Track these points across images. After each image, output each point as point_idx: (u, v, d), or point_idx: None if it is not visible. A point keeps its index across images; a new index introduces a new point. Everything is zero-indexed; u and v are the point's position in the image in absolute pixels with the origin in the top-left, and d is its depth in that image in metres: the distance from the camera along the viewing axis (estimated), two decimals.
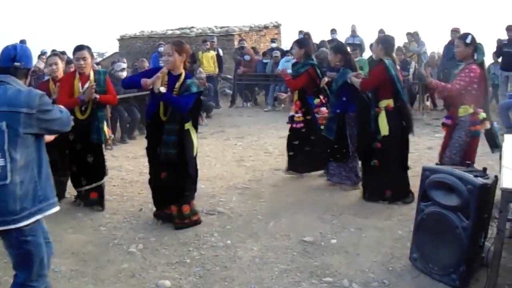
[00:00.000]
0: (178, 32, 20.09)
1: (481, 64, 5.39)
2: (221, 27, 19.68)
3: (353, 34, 15.64)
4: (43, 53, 15.37)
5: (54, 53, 5.92)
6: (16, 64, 3.29)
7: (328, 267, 4.49)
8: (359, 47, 13.89)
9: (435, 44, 14.66)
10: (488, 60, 11.95)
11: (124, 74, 10.88)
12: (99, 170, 6.15)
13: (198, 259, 4.70)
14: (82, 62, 5.83)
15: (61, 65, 6.33)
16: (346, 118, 6.44)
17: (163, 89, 5.05)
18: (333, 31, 15.53)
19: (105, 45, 24.48)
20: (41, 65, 12.75)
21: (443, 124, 5.74)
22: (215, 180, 7.33)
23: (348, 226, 5.39)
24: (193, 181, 5.55)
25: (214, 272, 4.46)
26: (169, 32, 20.44)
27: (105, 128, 6.22)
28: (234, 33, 18.61)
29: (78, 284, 4.34)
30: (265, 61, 14.94)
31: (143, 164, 8.39)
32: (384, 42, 6.06)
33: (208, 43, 14.87)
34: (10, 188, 3.05)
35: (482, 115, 5.30)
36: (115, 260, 4.73)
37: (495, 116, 9.06)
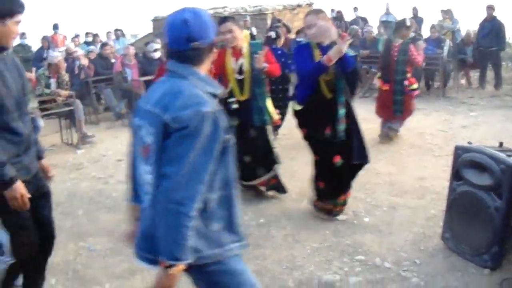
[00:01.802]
0: (211, 11, 20.05)
1: None
2: (254, 6, 19.61)
3: (387, 12, 15.48)
4: (76, 36, 15.67)
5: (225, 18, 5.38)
6: (194, 44, 2.25)
7: (360, 245, 4.52)
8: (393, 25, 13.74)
9: (469, 21, 14.38)
10: None
11: (157, 54, 10.97)
12: (272, 155, 5.63)
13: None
14: (228, 36, 5.22)
15: (238, 32, 5.34)
16: None
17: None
18: (355, 9, 15.48)
19: (138, 26, 24.67)
20: (74, 48, 12.94)
21: None
22: None
23: (381, 205, 5.41)
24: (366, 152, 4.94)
25: (247, 251, 4.51)
26: None
27: (269, 107, 5.58)
28: (267, 12, 18.50)
29: (112, 262, 4.46)
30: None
31: None
32: None
33: (242, 22, 14.86)
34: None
35: None
36: None
37: None
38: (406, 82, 7.62)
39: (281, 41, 9.60)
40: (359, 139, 4.85)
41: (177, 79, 2.25)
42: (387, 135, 7.91)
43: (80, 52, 11.82)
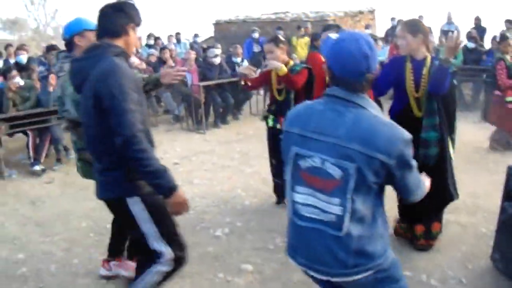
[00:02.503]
0: (273, 17, 20.27)
1: None
2: (316, 12, 19.66)
3: (449, 21, 15.25)
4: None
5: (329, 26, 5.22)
6: (369, 75, 2.30)
7: (407, 260, 4.51)
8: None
9: None
10: None
11: (217, 60, 11.16)
12: None
13: (282, 246, 4.86)
14: None
15: None
16: None
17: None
18: (420, 17, 15.23)
19: (201, 29, 25.03)
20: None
21: None
22: None
23: None
24: (454, 188, 4.66)
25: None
26: (264, 17, 20.65)
27: None
28: (329, 18, 18.52)
29: None
30: None
31: (235, 149, 8.71)
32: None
33: (303, 29, 14.97)
34: (341, 240, 2.30)
35: None
36: (201, 243, 4.98)
37: None
38: None
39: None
40: (450, 171, 4.55)
41: (354, 108, 2.28)
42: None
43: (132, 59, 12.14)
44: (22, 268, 4.66)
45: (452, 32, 8.67)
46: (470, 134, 8.53)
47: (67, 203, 6.38)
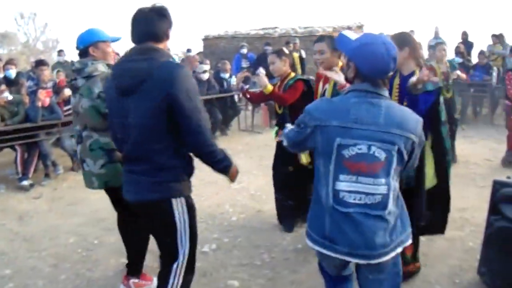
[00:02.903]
0: (261, 32, 20.34)
1: None
2: (305, 28, 19.76)
3: (436, 36, 15.40)
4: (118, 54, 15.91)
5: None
6: (390, 75, 2.91)
7: None
8: None
9: None
10: None
11: (206, 76, 11.20)
12: None
13: (269, 262, 4.88)
14: (317, 56, 4.79)
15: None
16: None
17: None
18: (411, 32, 15.35)
19: (190, 44, 25.11)
20: None
21: None
22: None
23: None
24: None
25: (283, 276, 4.62)
26: (253, 32, 20.72)
27: None
28: (317, 34, 18.58)
29: None
30: None
31: None
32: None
33: (291, 44, 15.01)
34: (384, 219, 2.66)
35: None
36: None
37: None
38: None
39: None
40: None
41: (384, 100, 2.70)
42: None
43: None
44: (9, 284, 4.63)
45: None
46: (458, 148, 8.58)
47: (55, 219, 6.36)
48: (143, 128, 2.97)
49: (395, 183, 2.69)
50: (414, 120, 2.71)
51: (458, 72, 7.64)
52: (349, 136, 2.61)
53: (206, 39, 21.44)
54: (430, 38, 15.47)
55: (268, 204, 6.42)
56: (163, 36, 3.10)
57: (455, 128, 8.10)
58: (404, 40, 4.14)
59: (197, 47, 22.80)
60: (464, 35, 15.32)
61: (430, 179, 4.28)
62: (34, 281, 4.66)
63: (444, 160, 4.29)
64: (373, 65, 2.62)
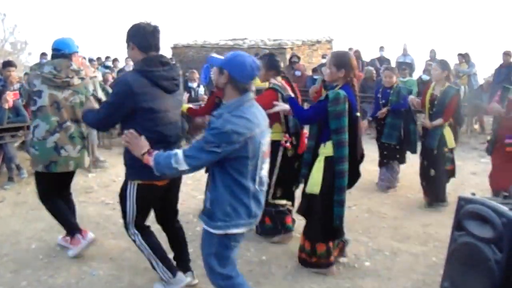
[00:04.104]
0: (231, 43, 20.29)
1: None
2: (274, 40, 19.77)
3: (404, 53, 15.60)
4: (90, 60, 15.77)
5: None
6: None
7: None
8: (409, 66, 13.81)
9: (486, 67, 14.49)
10: None
11: None
12: None
13: None
14: None
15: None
16: None
17: None
18: (381, 48, 15.55)
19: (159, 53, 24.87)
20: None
21: (508, 144, 5.58)
22: None
23: (383, 249, 5.41)
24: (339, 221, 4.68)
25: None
26: (222, 42, 20.66)
27: None
28: (287, 47, 18.62)
29: None
30: (315, 77, 14.92)
31: (188, 175, 8.60)
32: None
33: (260, 56, 15.00)
34: None
35: None
36: (151, 269, 4.85)
37: None
38: None
39: None
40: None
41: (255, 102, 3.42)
42: None
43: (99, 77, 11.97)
44: None
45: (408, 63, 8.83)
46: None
47: (17, 224, 6.18)
48: (176, 118, 4.10)
49: None
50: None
51: (412, 96, 7.50)
52: (263, 136, 3.28)
53: (175, 48, 21.30)
54: (398, 55, 15.66)
55: None
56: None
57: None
58: (343, 62, 4.47)
59: (166, 55, 22.61)
60: (432, 53, 15.53)
61: (315, 184, 4.54)
62: None
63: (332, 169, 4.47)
64: (243, 71, 3.18)
